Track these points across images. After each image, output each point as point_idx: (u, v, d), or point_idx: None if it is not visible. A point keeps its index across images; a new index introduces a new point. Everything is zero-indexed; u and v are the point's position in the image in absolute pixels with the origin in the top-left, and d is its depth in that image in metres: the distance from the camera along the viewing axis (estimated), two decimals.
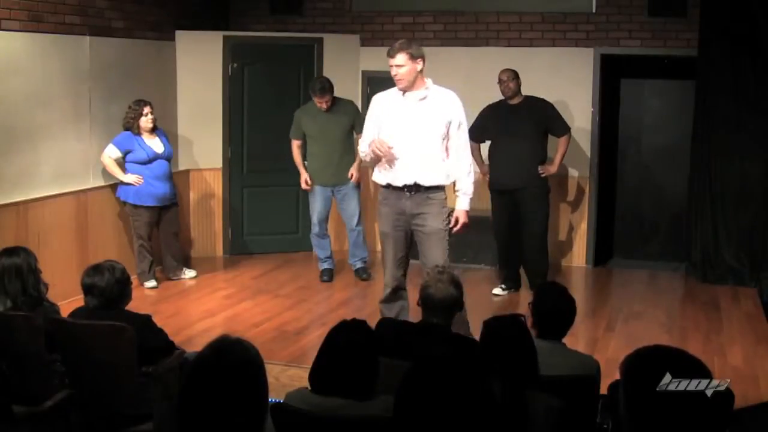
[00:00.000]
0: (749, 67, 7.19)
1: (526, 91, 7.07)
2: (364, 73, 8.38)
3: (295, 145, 7.36)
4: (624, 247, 8.65)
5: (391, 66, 4.97)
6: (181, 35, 7.93)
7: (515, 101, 6.89)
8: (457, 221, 5.17)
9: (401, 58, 4.91)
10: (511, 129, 6.84)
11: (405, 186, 5.09)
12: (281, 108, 8.16)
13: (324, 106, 7.15)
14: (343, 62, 8.29)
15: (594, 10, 7.87)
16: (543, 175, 6.93)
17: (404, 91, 5.04)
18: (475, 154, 6.89)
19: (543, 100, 7.02)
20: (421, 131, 5.05)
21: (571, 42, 7.94)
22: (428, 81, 5.11)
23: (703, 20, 7.32)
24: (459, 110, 5.10)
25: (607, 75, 8.04)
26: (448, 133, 5.09)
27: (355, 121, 7.20)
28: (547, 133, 7.00)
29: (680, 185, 7.97)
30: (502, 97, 6.94)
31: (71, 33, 6.58)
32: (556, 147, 7.01)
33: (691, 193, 7.66)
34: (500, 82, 6.90)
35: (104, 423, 3.94)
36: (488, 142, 7.09)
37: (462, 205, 5.15)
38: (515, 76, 6.88)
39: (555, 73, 7.84)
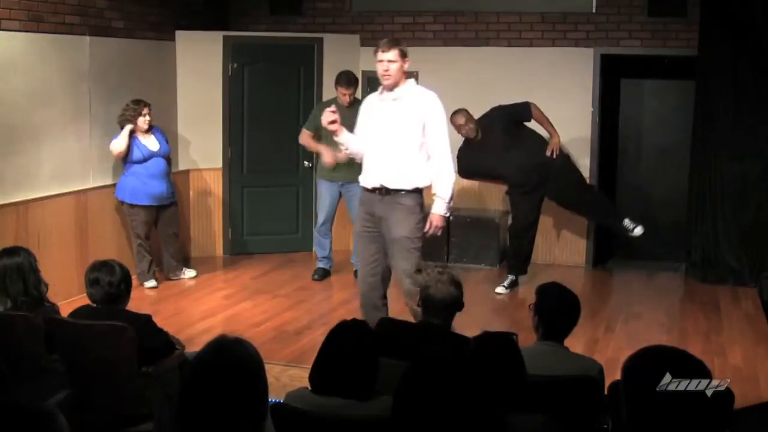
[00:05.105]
0: (749, 67, 7.19)
1: (526, 91, 7.07)
2: (364, 73, 8.35)
3: (305, 133, 7.24)
4: (623, 247, 8.64)
5: (382, 61, 4.86)
6: (181, 35, 7.92)
7: (479, 136, 6.92)
8: (431, 224, 4.97)
9: (393, 53, 4.83)
10: (498, 151, 6.91)
11: (374, 188, 4.99)
12: (281, 108, 8.17)
13: (347, 99, 7.04)
14: (343, 62, 8.26)
15: (594, 10, 7.86)
16: (553, 155, 6.95)
17: (388, 89, 4.92)
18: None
19: (491, 110, 7.02)
20: (389, 132, 4.93)
21: (571, 42, 7.94)
22: (410, 81, 4.98)
23: (703, 20, 7.32)
24: (434, 111, 4.88)
25: (607, 75, 8.04)
26: (425, 135, 4.90)
27: None
28: (520, 122, 7.00)
29: (680, 185, 7.96)
30: (473, 128, 6.90)
31: (71, 33, 6.58)
32: (540, 123, 7.02)
33: (691, 193, 7.65)
34: (459, 127, 6.84)
35: (104, 423, 3.94)
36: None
37: (437, 209, 4.94)
38: (467, 114, 6.87)
39: (555, 73, 7.84)
